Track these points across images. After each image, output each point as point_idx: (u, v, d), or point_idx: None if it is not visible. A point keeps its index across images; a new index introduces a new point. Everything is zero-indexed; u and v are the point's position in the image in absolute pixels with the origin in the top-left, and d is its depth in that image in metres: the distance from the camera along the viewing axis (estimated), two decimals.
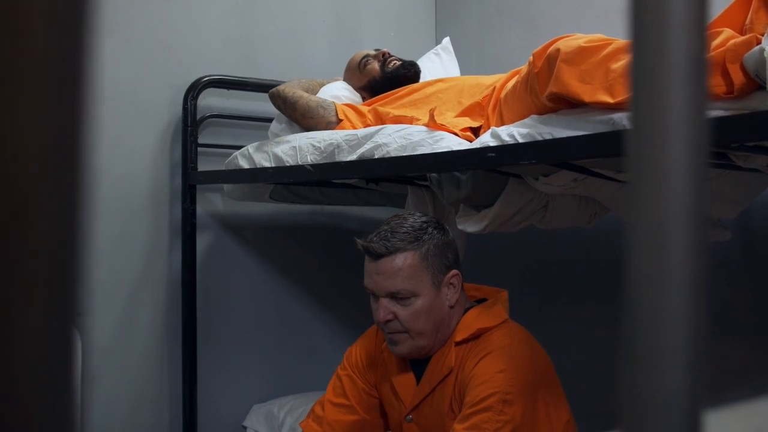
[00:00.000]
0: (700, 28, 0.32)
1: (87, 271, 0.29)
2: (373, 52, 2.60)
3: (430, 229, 1.82)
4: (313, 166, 2.16)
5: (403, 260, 1.78)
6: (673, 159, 0.32)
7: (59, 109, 0.27)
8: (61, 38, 0.26)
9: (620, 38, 1.56)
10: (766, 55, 1.24)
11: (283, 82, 2.58)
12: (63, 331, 0.28)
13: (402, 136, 1.96)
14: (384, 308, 1.80)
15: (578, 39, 1.57)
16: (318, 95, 2.51)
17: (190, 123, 2.72)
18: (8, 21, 0.25)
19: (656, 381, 0.32)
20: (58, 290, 0.27)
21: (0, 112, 0.26)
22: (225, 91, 2.85)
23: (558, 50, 1.55)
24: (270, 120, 2.61)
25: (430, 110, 1.97)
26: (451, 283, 1.82)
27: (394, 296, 1.79)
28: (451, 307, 1.83)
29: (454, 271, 1.82)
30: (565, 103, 1.60)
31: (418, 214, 1.90)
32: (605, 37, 1.57)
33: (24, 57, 0.26)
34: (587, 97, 1.50)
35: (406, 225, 1.81)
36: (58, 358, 0.28)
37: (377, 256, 1.80)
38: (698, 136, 0.32)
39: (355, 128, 2.25)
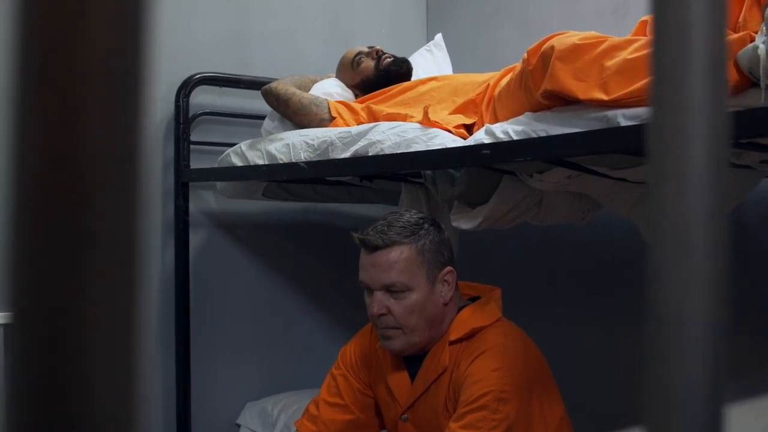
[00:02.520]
0: (720, 29, 0.32)
1: (144, 265, 0.30)
2: (366, 49, 2.60)
3: (426, 225, 1.83)
4: (307, 163, 2.16)
5: (398, 253, 1.78)
6: (695, 158, 0.32)
7: (119, 115, 0.27)
8: (121, 45, 0.27)
9: (613, 36, 1.57)
10: (759, 52, 1.24)
11: (276, 79, 2.57)
12: (128, 321, 0.28)
13: (396, 134, 1.96)
14: (378, 302, 1.80)
15: (572, 36, 1.57)
16: (310, 92, 2.51)
17: (182, 120, 2.71)
18: (71, 28, 0.26)
19: (680, 375, 0.33)
20: (120, 284, 0.28)
21: (65, 118, 0.26)
22: (217, 88, 2.85)
23: (552, 48, 1.56)
24: (262, 117, 2.61)
25: (424, 107, 1.98)
26: (445, 280, 1.82)
27: (389, 289, 1.79)
28: (445, 304, 1.83)
29: (449, 268, 1.83)
30: (559, 101, 1.61)
31: (414, 211, 1.91)
32: (599, 34, 1.57)
33: (85, 64, 0.26)
34: (582, 95, 1.50)
35: (402, 220, 1.82)
36: (123, 347, 0.29)
37: (373, 249, 1.80)
38: (719, 135, 0.32)
39: (348, 126, 2.25)
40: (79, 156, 0.27)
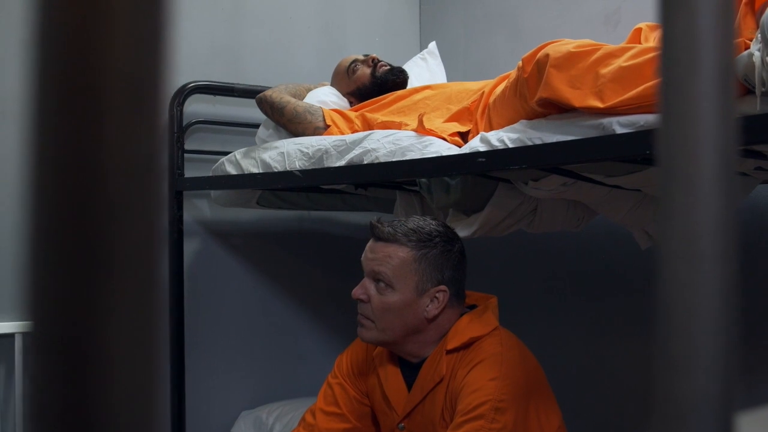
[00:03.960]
0: (728, 38, 0.32)
1: (162, 276, 0.30)
2: (361, 57, 2.60)
3: (437, 239, 1.82)
4: (302, 171, 2.16)
5: (395, 251, 1.80)
6: (704, 168, 0.32)
7: (138, 123, 0.27)
8: (139, 56, 0.27)
9: (607, 44, 1.57)
10: (754, 59, 1.25)
11: (270, 87, 2.57)
12: (148, 331, 0.29)
13: (391, 142, 1.96)
14: (362, 287, 1.84)
15: (567, 44, 1.57)
16: (305, 100, 2.51)
17: (176, 129, 2.71)
18: (90, 39, 0.26)
19: (690, 385, 0.32)
20: (140, 295, 0.28)
21: (85, 129, 0.26)
22: (211, 97, 2.85)
23: (547, 55, 1.56)
24: (257, 126, 2.61)
25: (419, 115, 1.98)
26: (435, 297, 1.81)
27: (375, 278, 1.82)
28: (429, 319, 1.82)
29: (443, 287, 1.82)
30: (554, 108, 1.61)
31: (440, 223, 1.89)
32: (594, 42, 1.58)
33: (105, 75, 0.26)
34: (577, 102, 1.50)
35: (417, 225, 1.83)
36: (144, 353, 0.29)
37: (377, 238, 1.84)
38: (727, 145, 0.32)
39: (342, 134, 2.25)
40: (100, 167, 0.27)
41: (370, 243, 1.86)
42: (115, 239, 0.28)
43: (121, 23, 0.27)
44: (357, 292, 1.84)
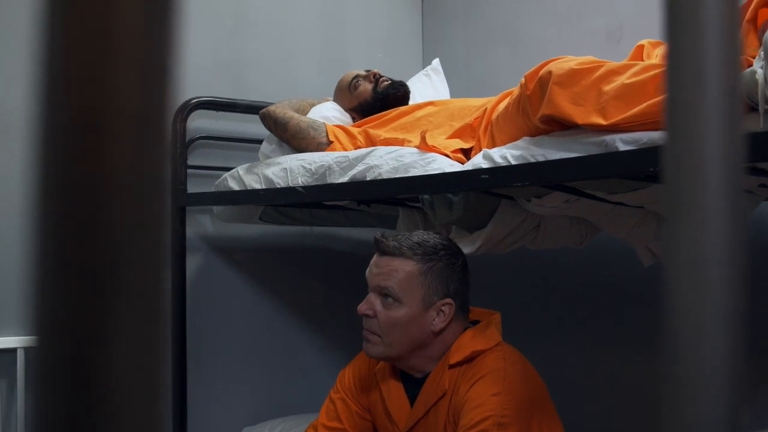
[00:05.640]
0: (734, 59, 0.32)
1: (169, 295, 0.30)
2: (363, 73, 2.61)
3: (442, 253, 1.82)
4: (305, 187, 2.16)
5: (402, 265, 1.79)
6: (711, 188, 0.32)
7: (144, 143, 0.27)
8: (145, 76, 0.27)
9: (609, 60, 1.57)
10: (757, 77, 1.25)
11: (273, 103, 2.58)
12: (152, 347, 0.29)
13: (394, 158, 1.96)
14: (368, 302, 1.83)
15: (570, 61, 1.58)
16: (308, 116, 2.51)
17: (179, 144, 2.72)
18: (96, 60, 0.26)
19: (697, 410, 0.32)
20: (145, 313, 0.28)
21: (92, 148, 0.27)
22: (214, 112, 2.85)
23: (550, 72, 1.56)
24: (259, 141, 2.61)
25: (422, 132, 1.98)
26: (441, 310, 1.81)
27: (382, 293, 1.81)
28: (435, 333, 1.81)
29: (448, 300, 1.82)
30: (557, 125, 1.61)
31: (443, 237, 1.89)
32: (597, 59, 1.58)
33: (110, 95, 0.27)
34: (580, 119, 1.51)
35: (422, 239, 1.83)
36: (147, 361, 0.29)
37: (382, 252, 1.83)
38: (734, 165, 0.32)
39: (345, 150, 2.25)
40: (104, 184, 0.28)
41: (375, 258, 1.86)
42: (120, 256, 0.28)
43: (126, 43, 0.27)
44: (363, 307, 1.83)
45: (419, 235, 1.85)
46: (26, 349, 2.42)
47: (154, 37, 0.28)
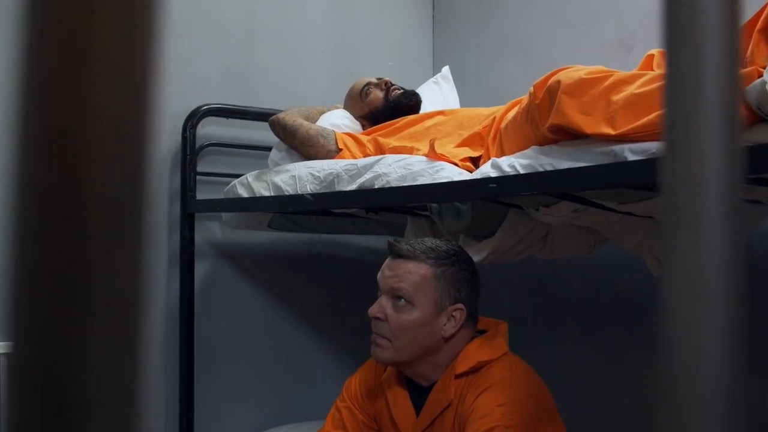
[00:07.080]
0: (734, 74, 0.32)
1: (147, 298, 0.30)
2: (375, 80, 2.61)
3: (455, 258, 1.83)
4: (313, 195, 2.16)
5: (416, 268, 1.80)
6: (709, 206, 0.32)
7: (122, 159, 0.27)
8: (123, 93, 0.27)
9: (619, 70, 1.57)
10: (767, 88, 1.24)
11: (282, 110, 2.58)
12: (130, 352, 0.29)
13: (402, 166, 1.96)
14: (380, 305, 1.83)
15: (579, 71, 1.57)
16: (318, 123, 2.52)
17: (189, 151, 2.72)
18: (74, 76, 0.26)
19: (696, 425, 0.32)
20: (123, 317, 0.28)
21: (70, 150, 0.27)
22: (224, 119, 2.86)
23: (559, 82, 1.56)
24: (269, 149, 2.61)
25: (431, 140, 1.98)
26: (452, 316, 1.81)
27: (394, 295, 1.80)
28: (445, 339, 1.81)
29: (460, 305, 1.82)
30: (566, 135, 1.60)
31: (454, 244, 1.90)
32: (606, 68, 1.57)
33: (88, 111, 0.27)
34: (588, 129, 1.50)
35: (435, 244, 1.84)
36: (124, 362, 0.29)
37: (396, 255, 1.84)
38: (733, 181, 0.32)
39: (354, 158, 2.25)
40: (83, 195, 0.27)
41: (388, 261, 1.86)
42: (96, 263, 0.28)
43: (105, 53, 0.27)
44: (374, 310, 1.83)
45: (431, 241, 1.86)
46: (5, 355, 2.36)
47: (134, 51, 0.27)
